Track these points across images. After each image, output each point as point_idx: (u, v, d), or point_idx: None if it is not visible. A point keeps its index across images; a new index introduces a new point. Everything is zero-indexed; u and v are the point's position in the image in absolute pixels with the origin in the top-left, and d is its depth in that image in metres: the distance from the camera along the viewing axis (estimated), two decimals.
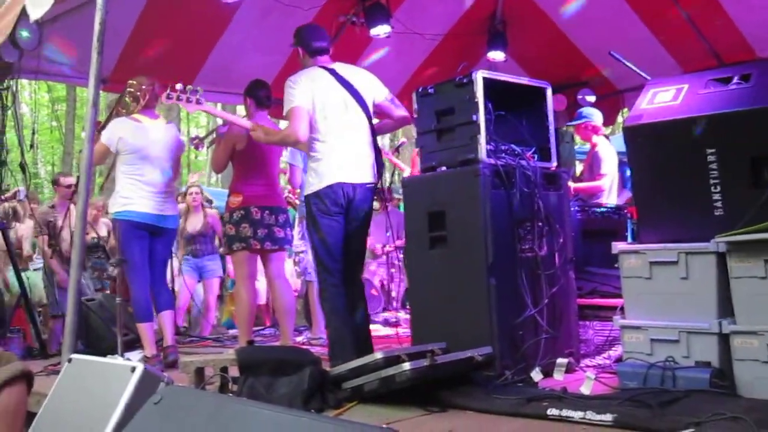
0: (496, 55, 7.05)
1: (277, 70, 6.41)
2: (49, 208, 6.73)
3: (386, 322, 6.92)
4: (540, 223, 3.81)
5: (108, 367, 3.14)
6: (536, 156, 3.97)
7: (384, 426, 2.19)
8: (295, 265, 6.62)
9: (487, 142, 3.70)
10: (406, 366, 3.05)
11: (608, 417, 2.65)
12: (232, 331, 6.93)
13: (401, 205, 6.45)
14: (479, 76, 3.73)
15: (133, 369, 2.90)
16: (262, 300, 7.53)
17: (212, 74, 6.42)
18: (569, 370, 3.65)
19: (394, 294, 8.18)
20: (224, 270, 8.27)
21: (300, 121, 4.06)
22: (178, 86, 4.40)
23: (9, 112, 5.28)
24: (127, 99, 4.82)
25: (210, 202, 8.00)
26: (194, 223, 7.49)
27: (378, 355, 3.23)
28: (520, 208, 3.72)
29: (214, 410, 2.48)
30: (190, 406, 2.60)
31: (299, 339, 5.84)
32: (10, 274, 6.05)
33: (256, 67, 6.06)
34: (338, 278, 4.12)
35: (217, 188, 15.95)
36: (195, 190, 7.68)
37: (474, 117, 3.69)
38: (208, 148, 5.70)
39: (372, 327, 6.60)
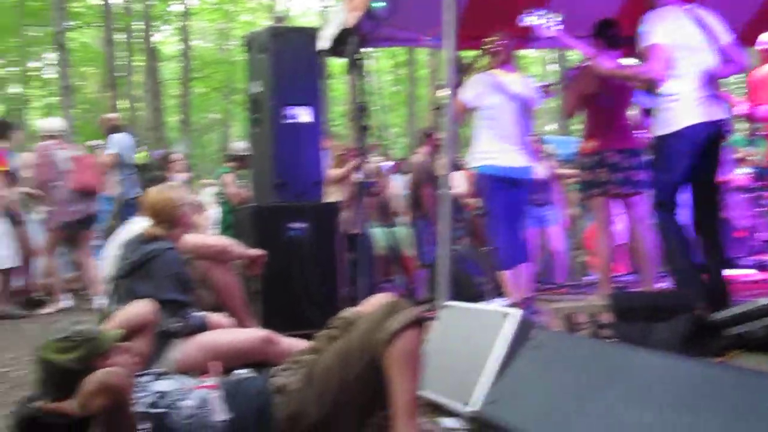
0: None
1: (617, 9, 6.13)
2: (426, 158, 7.09)
3: (759, 266, 6.37)
4: None
5: (482, 313, 3.26)
6: None
7: None
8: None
9: None
10: None
11: None
12: (587, 279, 6.88)
13: None
14: None
15: (507, 315, 2.98)
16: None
17: None
18: None
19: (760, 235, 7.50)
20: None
21: (660, 58, 3.94)
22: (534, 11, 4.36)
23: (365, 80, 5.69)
24: (484, 56, 4.96)
25: None
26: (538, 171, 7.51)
27: (763, 300, 3.00)
28: None
29: (594, 354, 2.47)
30: (569, 351, 2.62)
31: (662, 285, 5.62)
32: (377, 230, 6.55)
33: (595, 7, 5.84)
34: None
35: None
36: (533, 138, 7.72)
37: None
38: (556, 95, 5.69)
39: (742, 272, 6.19)
